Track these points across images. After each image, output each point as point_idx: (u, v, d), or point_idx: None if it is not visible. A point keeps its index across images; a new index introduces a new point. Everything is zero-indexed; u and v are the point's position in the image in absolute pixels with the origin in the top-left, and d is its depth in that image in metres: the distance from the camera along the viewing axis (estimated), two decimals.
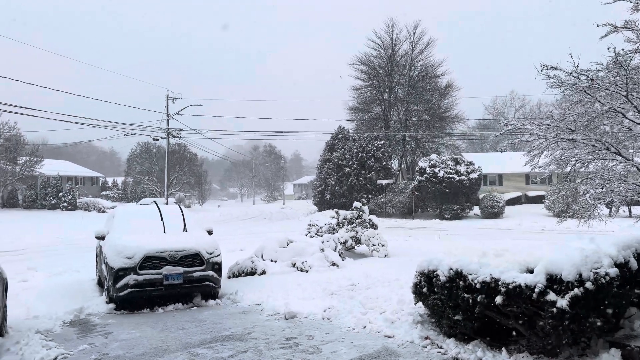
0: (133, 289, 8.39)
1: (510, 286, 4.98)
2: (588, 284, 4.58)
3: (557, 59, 7.46)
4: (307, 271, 11.01)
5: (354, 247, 14.60)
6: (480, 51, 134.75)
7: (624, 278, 4.71)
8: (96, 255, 11.27)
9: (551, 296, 4.69)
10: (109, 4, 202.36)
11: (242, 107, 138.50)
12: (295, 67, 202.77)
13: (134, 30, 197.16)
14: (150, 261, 8.55)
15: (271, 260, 11.53)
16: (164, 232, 9.53)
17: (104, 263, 9.08)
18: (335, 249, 12.84)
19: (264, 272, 10.89)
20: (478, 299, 5.33)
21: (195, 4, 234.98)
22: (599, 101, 7.55)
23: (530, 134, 8.33)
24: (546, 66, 7.62)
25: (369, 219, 15.70)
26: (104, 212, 43.65)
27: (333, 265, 11.62)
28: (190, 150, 64.62)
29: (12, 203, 46.44)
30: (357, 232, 14.66)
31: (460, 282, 5.62)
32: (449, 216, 34.25)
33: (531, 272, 5.02)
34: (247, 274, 10.98)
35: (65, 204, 45.69)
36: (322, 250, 11.97)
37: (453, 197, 34.78)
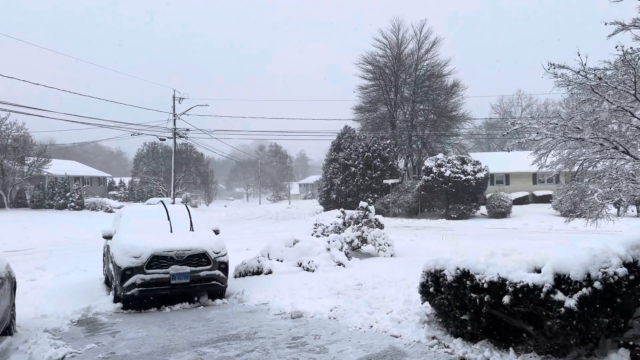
0: (140, 288, 8.43)
1: (518, 286, 4.96)
2: (596, 284, 4.55)
3: (564, 57, 7.42)
4: (313, 271, 11.02)
5: (360, 247, 14.59)
6: (487, 50, 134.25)
7: (633, 278, 4.68)
8: (103, 255, 11.33)
9: (559, 296, 4.66)
10: (108, 4, 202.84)
11: (248, 107, 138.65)
12: (300, 67, 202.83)
13: (133, 31, 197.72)
14: (158, 260, 8.59)
15: (277, 260, 11.55)
16: (171, 231, 9.56)
17: (112, 262, 9.12)
18: (342, 248, 12.83)
19: (270, 272, 10.91)
20: (485, 299, 5.31)
21: (196, 4, 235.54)
22: (607, 100, 7.50)
23: (537, 133, 8.30)
24: (553, 65, 7.58)
25: (375, 219, 15.69)
26: (111, 211, 43.85)
27: (339, 264, 11.62)
28: (196, 150, 64.86)
29: (20, 203, 46.77)
30: (363, 232, 14.65)
31: (468, 282, 5.60)
32: (455, 216, 34.15)
33: (539, 271, 4.99)
34: (253, 274, 10.99)
35: (72, 203, 45.94)
36: (328, 249, 11.97)
37: (459, 197, 34.67)
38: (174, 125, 38.68)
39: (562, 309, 4.59)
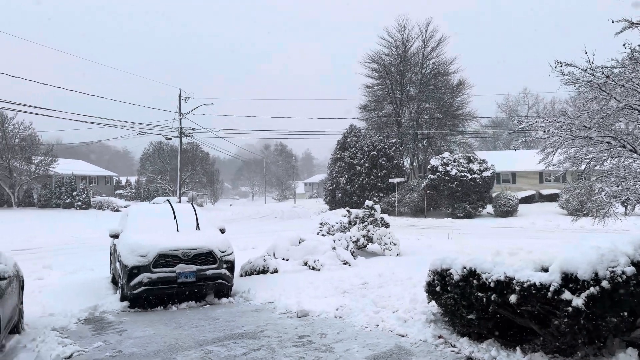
0: (147, 287, 8.46)
1: (525, 285, 4.94)
2: (604, 283, 4.53)
3: (571, 56, 7.39)
4: (319, 270, 11.02)
5: (365, 246, 14.58)
6: (491, 49, 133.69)
7: None
8: (110, 254, 11.38)
9: (566, 295, 4.64)
10: (109, 4, 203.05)
11: (253, 106, 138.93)
12: (301, 67, 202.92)
13: (133, 31, 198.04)
14: (164, 259, 8.62)
15: (283, 259, 11.56)
16: (177, 230, 9.59)
17: (118, 261, 9.16)
18: (347, 247, 12.83)
19: (276, 271, 10.92)
20: (492, 298, 5.29)
21: (195, 4, 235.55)
22: (615, 98, 7.45)
23: (544, 131, 8.26)
24: (560, 63, 7.54)
25: (381, 218, 15.66)
26: (117, 211, 44.03)
27: (345, 263, 11.62)
28: (202, 150, 64.97)
29: (28, 202, 47.08)
30: (369, 231, 14.63)
31: (474, 281, 5.58)
32: (461, 215, 34.06)
33: (546, 270, 4.97)
34: (259, 273, 11.01)
35: (79, 203, 46.17)
36: (334, 248, 11.97)
37: (465, 196, 34.57)
38: (180, 124, 38.79)
39: (570, 308, 4.57)
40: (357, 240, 14.22)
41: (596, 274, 4.59)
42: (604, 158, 9.09)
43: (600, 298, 4.50)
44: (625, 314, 4.58)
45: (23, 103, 31.79)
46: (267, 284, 9.88)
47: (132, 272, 8.50)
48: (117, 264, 9.35)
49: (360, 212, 15.95)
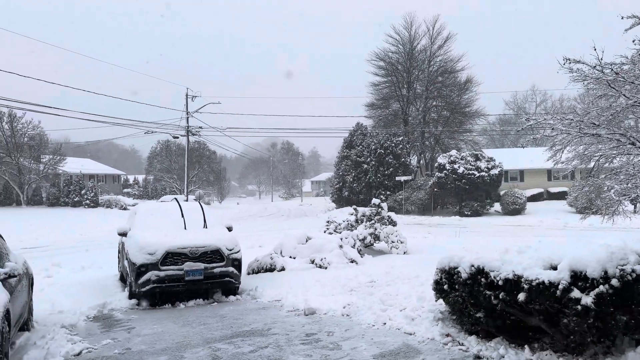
0: (155, 285, 8.50)
1: (534, 283, 4.91)
2: (614, 281, 4.50)
3: (580, 52, 7.32)
4: (326, 268, 11.03)
5: (372, 244, 14.56)
6: (500, 45, 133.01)
7: None
8: (118, 252, 11.44)
9: (575, 293, 4.61)
10: (106, 4, 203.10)
11: (260, 105, 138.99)
12: (310, 64, 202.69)
13: (132, 31, 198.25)
14: (172, 257, 8.65)
15: (290, 257, 11.57)
16: (185, 228, 9.62)
17: (127, 259, 9.21)
18: (354, 245, 12.82)
19: (283, 269, 10.94)
20: (500, 296, 5.27)
21: (198, 2, 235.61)
22: (624, 95, 7.39)
23: (552, 129, 8.21)
24: (569, 60, 7.48)
25: (388, 216, 15.64)
26: (125, 209, 44.26)
27: (352, 262, 11.61)
28: (209, 148, 65.13)
29: (37, 200, 47.44)
30: (375, 229, 14.61)
31: (482, 279, 5.56)
32: (469, 213, 33.92)
33: (555, 268, 4.94)
34: (266, 271, 11.04)
35: (87, 201, 46.45)
36: (341, 247, 11.97)
37: (473, 194, 34.43)
38: (187, 123, 38.92)
39: (579, 307, 4.54)
40: (364, 238, 14.21)
41: (606, 272, 4.56)
42: (613, 155, 9.01)
43: (609, 296, 4.48)
44: (635, 312, 4.55)
45: (32, 102, 32.02)
46: (274, 281, 9.90)
47: (141, 269, 8.54)
48: (126, 262, 9.40)
49: (367, 210, 15.93)
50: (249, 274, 11.15)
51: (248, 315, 7.80)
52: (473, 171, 34.28)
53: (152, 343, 6.43)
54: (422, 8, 57.23)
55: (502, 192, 35.65)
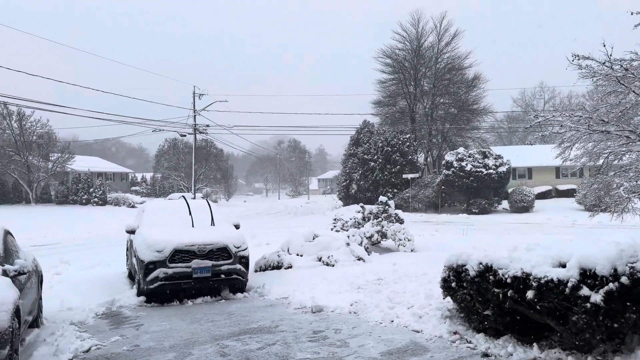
0: (163, 282, 8.54)
1: (542, 281, 4.89)
2: (623, 279, 4.46)
3: (589, 49, 7.26)
4: (333, 265, 11.03)
5: (379, 242, 14.55)
6: (500, 45, 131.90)
7: None
8: (127, 249, 11.51)
9: (584, 291, 4.58)
10: (106, 3, 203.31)
11: (267, 102, 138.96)
12: (311, 64, 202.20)
13: (132, 30, 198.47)
14: (180, 255, 8.69)
15: (297, 255, 11.58)
16: (193, 226, 9.65)
17: (135, 257, 9.26)
18: (361, 243, 12.81)
19: (290, 266, 10.96)
20: (508, 294, 5.25)
21: (203, 2, 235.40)
22: (634, 91, 7.33)
23: (561, 125, 8.15)
24: (578, 56, 7.43)
25: (395, 214, 15.61)
26: (133, 207, 44.50)
27: (359, 259, 11.61)
28: (216, 146, 65.37)
29: (45, 198, 47.79)
30: (383, 227, 14.59)
31: (490, 277, 5.54)
32: (476, 211, 33.78)
33: (564, 266, 4.91)
34: (273, 268, 11.05)
35: (96, 199, 46.75)
36: (348, 244, 11.96)
37: (481, 191, 34.27)
38: (194, 121, 39.04)
39: (588, 305, 4.51)
40: (371, 236, 14.19)
41: (615, 270, 4.53)
42: (622, 152, 8.94)
43: (619, 294, 4.44)
44: None
45: (40, 100, 32.22)
46: (281, 279, 9.92)
47: (149, 267, 8.59)
48: (134, 260, 9.45)
49: (374, 208, 15.91)
50: (256, 271, 11.17)
51: (255, 313, 7.82)
52: (481, 169, 34.13)
53: (160, 340, 6.47)
54: (422, 8, 56.90)
55: (510, 190, 35.47)
